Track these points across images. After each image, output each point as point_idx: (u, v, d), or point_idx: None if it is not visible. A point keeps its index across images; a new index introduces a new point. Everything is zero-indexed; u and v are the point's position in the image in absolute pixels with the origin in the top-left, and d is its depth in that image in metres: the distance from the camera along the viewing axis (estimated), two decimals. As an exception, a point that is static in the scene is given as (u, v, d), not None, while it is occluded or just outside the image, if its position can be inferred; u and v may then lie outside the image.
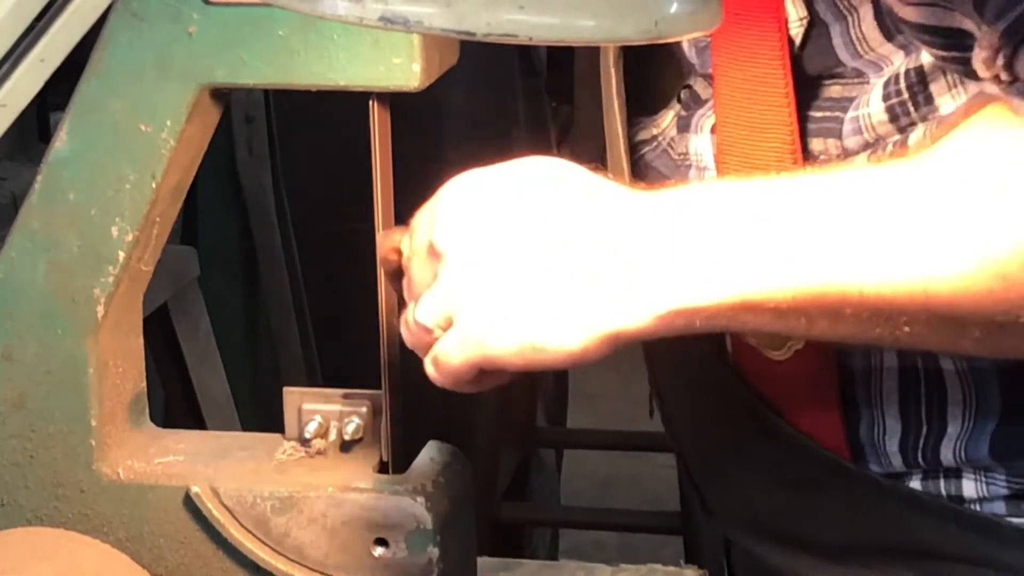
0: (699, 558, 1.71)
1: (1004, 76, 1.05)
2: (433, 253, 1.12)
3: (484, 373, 1.13)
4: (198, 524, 1.35)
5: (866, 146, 1.18)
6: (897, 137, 1.17)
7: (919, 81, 1.15)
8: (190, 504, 1.35)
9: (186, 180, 1.35)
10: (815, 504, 1.26)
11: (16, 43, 1.50)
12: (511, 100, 2.84)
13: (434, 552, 1.31)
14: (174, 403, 2.49)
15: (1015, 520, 1.21)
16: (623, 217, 1.10)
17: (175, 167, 1.32)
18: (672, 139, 1.31)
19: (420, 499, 1.31)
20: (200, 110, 1.30)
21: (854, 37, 1.17)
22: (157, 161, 1.31)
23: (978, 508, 1.22)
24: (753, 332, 1.22)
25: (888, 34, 1.15)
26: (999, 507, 1.22)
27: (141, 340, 1.41)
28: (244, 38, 1.27)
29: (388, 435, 1.35)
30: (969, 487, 1.22)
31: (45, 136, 2.38)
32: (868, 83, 1.18)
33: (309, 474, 1.36)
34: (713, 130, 1.25)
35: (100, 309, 1.34)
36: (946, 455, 1.21)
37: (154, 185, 1.31)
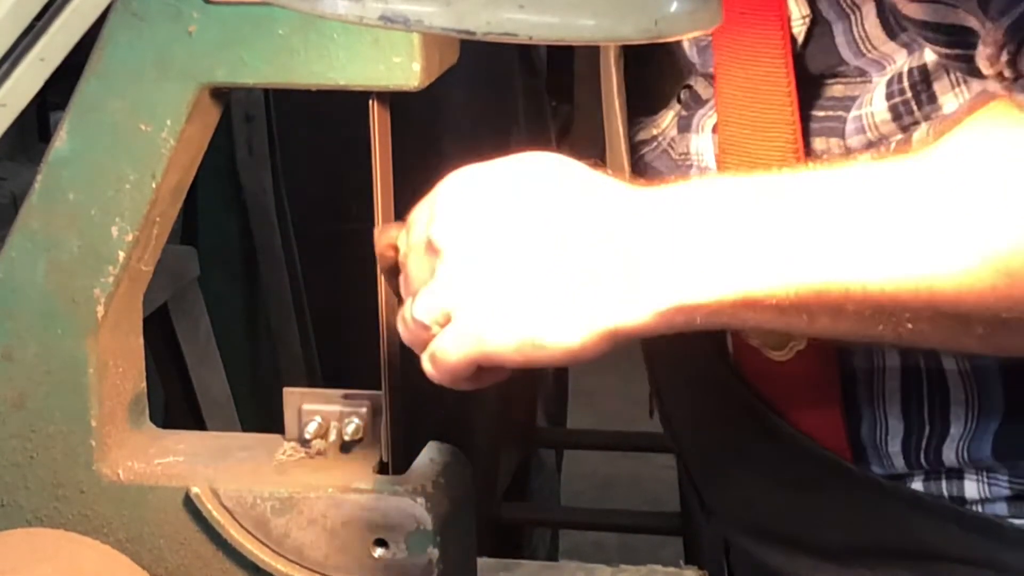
0: (699, 559, 1.71)
1: (1007, 73, 1.04)
2: (431, 249, 1.12)
3: (482, 370, 1.13)
4: (198, 525, 1.35)
5: (869, 145, 1.18)
6: (900, 136, 1.16)
7: (922, 80, 1.15)
8: (190, 505, 1.35)
9: (186, 180, 1.35)
10: (815, 505, 1.26)
11: (16, 43, 1.50)
12: (511, 100, 2.84)
13: (434, 553, 1.31)
14: (174, 403, 2.49)
15: (1017, 521, 1.21)
16: (623, 213, 1.09)
17: (175, 167, 1.32)
18: (672, 139, 1.31)
19: (420, 500, 1.31)
20: (200, 110, 1.30)
21: (857, 36, 1.16)
22: (157, 161, 1.30)
23: (980, 509, 1.22)
24: (753, 329, 1.21)
25: (891, 32, 1.15)
26: (1001, 508, 1.21)
27: (141, 340, 1.41)
28: (244, 37, 1.27)
29: (388, 435, 1.35)
30: (971, 488, 1.22)
31: (45, 136, 2.38)
32: (871, 82, 1.18)
33: (309, 475, 1.36)
34: (714, 130, 1.24)
35: (100, 309, 1.34)
36: (948, 456, 1.21)
37: (154, 185, 1.31)
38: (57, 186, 1.32)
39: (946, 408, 1.20)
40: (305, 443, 1.38)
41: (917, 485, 1.23)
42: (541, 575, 1.73)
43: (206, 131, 1.33)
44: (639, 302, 1.08)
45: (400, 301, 1.18)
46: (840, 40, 1.17)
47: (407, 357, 1.21)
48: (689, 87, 1.31)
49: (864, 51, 1.17)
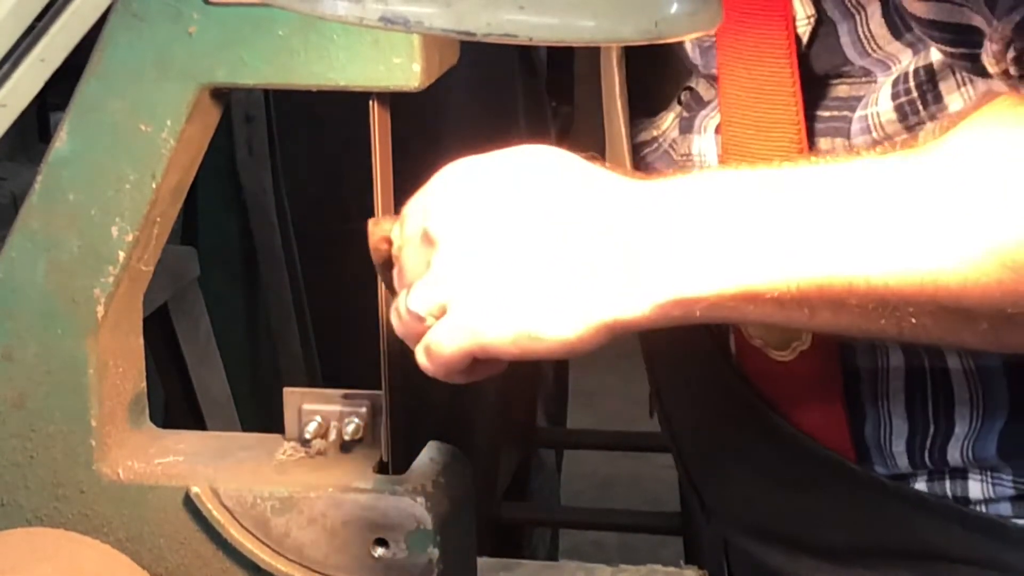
0: (699, 558, 1.70)
1: (1013, 70, 1.04)
2: (427, 240, 1.11)
3: (477, 363, 1.12)
4: (198, 524, 1.35)
5: (874, 145, 1.17)
6: (906, 136, 1.16)
7: (928, 79, 1.14)
8: (190, 504, 1.35)
9: (186, 180, 1.35)
10: (817, 505, 1.26)
11: (16, 43, 1.50)
12: (511, 100, 2.84)
13: (434, 552, 1.31)
14: (174, 403, 2.49)
15: (1020, 521, 1.21)
16: (622, 205, 1.09)
17: (175, 167, 1.32)
18: (674, 140, 1.31)
19: (420, 499, 1.31)
20: (200, 110, 1.30)
21: (862, 35, 1.16)
22: (157, 161, 1.30)
23: (983, 509, 1.21)
24: (753, 323, 1.21)
25: (896, 32, 1.15)
26: (1005, 508, 1.21)
27: (141, 340, 1.41)
28: (244, 38, 1.27)
29: (388, 435, 1.35)
30: (975, 488, 1.21)
31: (45, 136, 2.38)
32: (876, 82, 1.17)
33: (309, 474, 1.36)
34: (717, 130, 1.24)
35: (100, 309, 1.34)
36: (953, 455, 1.21)
37: (154, 185, 1.31)
38: (57, 186, 1.32)
39: (950, 407, 1.20)
40: (305, 443, 1.38)
41: (920, 485, 1.23)
42: (541, 575, 1.73)
43: (206, 131, 1.33)
44: (638, 295, 1.08)
45: (393, 294, 1.18)
46: (845, 40, 1.17)
47: (407, 357, 1.21)
48: (690, 88, 1.31)
49: (869, 51, 1.16)
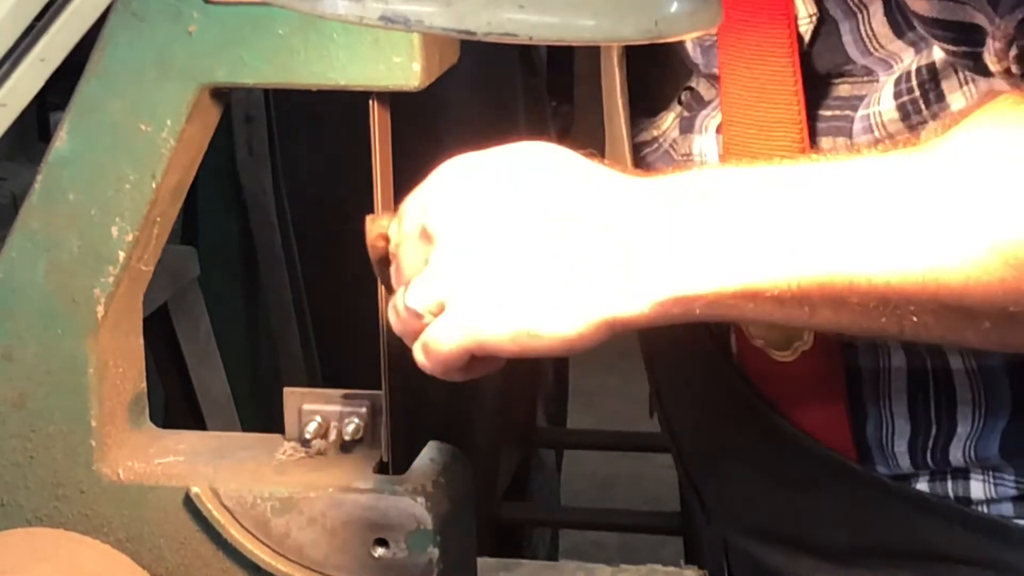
0: (699, 558, 1.71)
1: (1015, 69, 1.04)
2: (425, 237, 1.11)
3: (475, 360, 1.12)
4: (198, 525, 1.35)
5: (876, 144, 1.17)
6: (907, 135, 1.16)
7: (930, 78, 1.14)
8: (190, 505, 1.35)
9: (186, 180, 1.35)
10: (817, 505, 1.26)
11: (16, 43, 1.50)
12: (511, 100, 2.84)
13: (434, 552, 1.31)
14: (174, 403, 2.49)
15: (1022, 522, 1.21)
16: (621, 202, 1.08)
17: (175, 167, 1.32)
18: (674, 140, 1.31)
19: (420, 499, 1.31)
20: (200, 110, 1.30)
21: (864, 34, 1.16)
22: (157, 161, 1.30)
23: (985, 510, 1.21)
24: (753, 321, 1.20)
25: (898, 31, 1.15)
26: (1007, 508, 1.21)
27: (141, 340, 1.41)
28: (244, 38, 1.27)
29: (388, 435, 1.35)
30: (977, 488, 1.21)
31: (45, 136, 2.38)
32: (878, 81, 1.17)
33: (309, 474, 1.35)
34: (718, 130, 1.24)
35: (100, 309, 1.33)
36: (955, 455, 1.21)
37: (154, 185, 1.31)
38: (57, 186, 1.32)
39: (953, 407, 1.20)
40: (305, 443, 1.38)
41: (922, 485, 1.22)
42: (541, 575, 1.73)
43: (206, 131, 1.33)
44: (636, 292, 1.07)
45: (390, 291, 1.17)
46: (847, 39, 1.17)
47: (407, 357, 1.20)
48: (691, 88, 1.30)
49: (871, 50, 1.16)
